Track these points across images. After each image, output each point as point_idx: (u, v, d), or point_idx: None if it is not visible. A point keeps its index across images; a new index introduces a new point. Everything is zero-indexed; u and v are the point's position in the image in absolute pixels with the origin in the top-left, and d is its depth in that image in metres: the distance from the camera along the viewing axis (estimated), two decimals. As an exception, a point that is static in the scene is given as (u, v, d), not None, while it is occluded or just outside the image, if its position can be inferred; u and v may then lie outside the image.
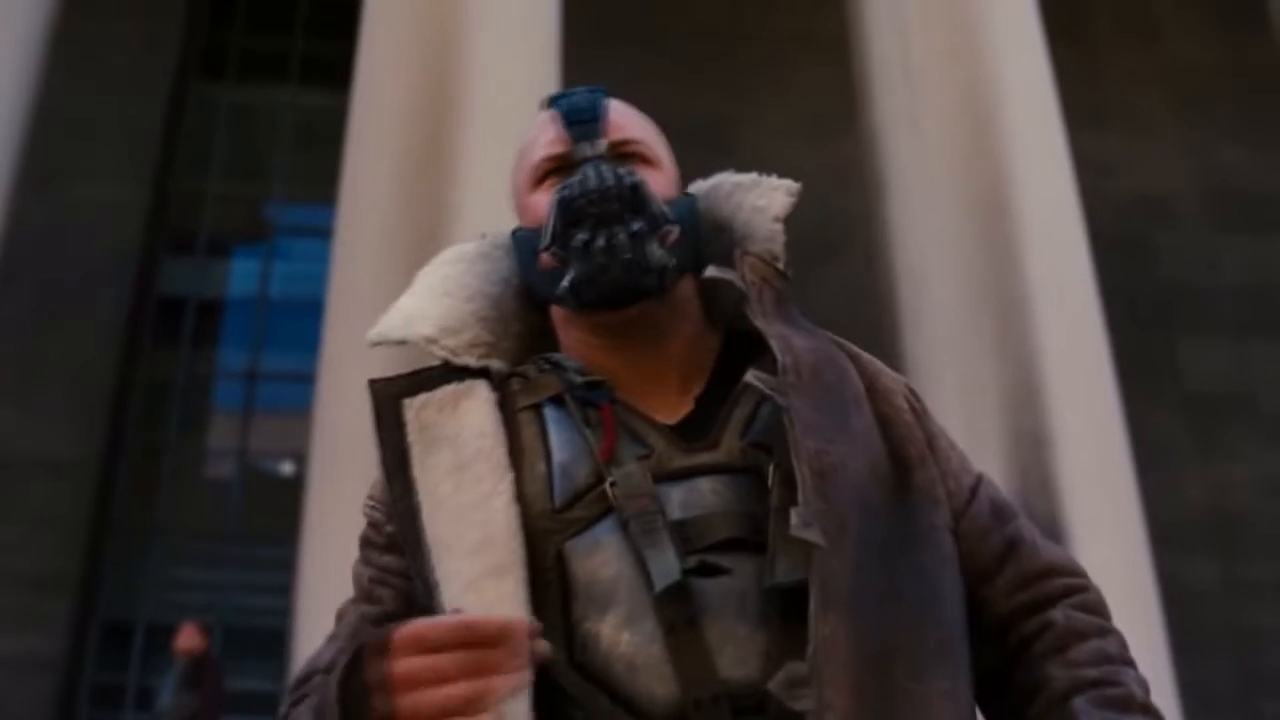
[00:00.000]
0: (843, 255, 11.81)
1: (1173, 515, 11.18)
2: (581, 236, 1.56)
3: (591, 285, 1.57)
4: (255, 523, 13.35)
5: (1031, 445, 7.26)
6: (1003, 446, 7.25)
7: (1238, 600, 12.79)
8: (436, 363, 1.67)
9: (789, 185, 1.77)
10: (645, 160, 1.67)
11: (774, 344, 1.52)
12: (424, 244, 5.75)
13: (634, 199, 1.57)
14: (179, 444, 14.21)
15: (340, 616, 1.65)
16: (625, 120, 1.71)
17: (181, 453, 14.23)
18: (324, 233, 9.39)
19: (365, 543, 1.67)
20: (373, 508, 1.66)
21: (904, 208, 8.51)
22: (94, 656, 12.87)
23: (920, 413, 1.68)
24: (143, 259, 13.67)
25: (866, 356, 1.71)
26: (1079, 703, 1.46)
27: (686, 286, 1.68)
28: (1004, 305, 7.70)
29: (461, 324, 1.69)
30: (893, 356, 7.62)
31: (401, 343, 1.68)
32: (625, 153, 1.66)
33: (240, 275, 15.34)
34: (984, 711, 1.60)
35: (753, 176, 1.80)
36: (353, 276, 7.14)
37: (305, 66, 15.20)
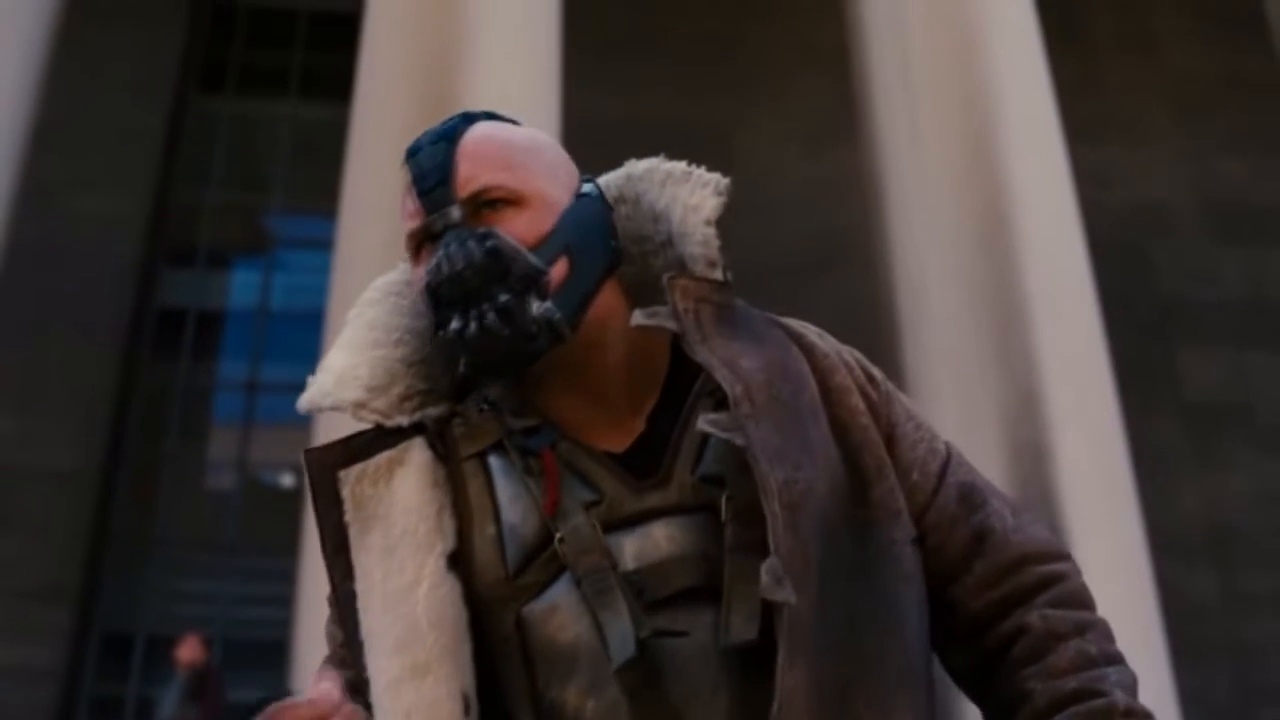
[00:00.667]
0: (841, 265, 11.80)
1: (1171, 525, 11.18)
2: (455, 326, 1.50)
3: (484, 367, 1.53)
4: (255, 534, 13.34)
5: (1031, 456, 7.26)
6: (1002, 457, 7.26)
7: (1236, 611, 12.78)
8: (369, 427, 1.60)
9: (718, 183, 1.66)
10: (508, 201, 1.57)
11: (720, 377, 1.47)
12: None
13: (494, 267, 1.49)
14: (179, 455, 14.20)
15: (329, 639, 1.65)
16: (477, 165, 1.59)
17: (181, 464, 14.22)
18: (324, 244, 9.40)
19: (331, 602, 1.63)
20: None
21: (903, 218, 8.52)
22: (93, 667, 12.85)
23: (876, 402, 1.62)
24: (143, 270, 13.68)
25: (821, 346, 1.64)
26: None
27: (607, 299, 1.60)
28: (1003, 316, 7.71)
29: (391, 378, 1.62)
30: (892, 367, 7.62)
31: (334, 409, 1.60)
32: (484, 201, 1.56)
33: (240, 287, 15.34)
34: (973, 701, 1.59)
35: (683, 167, 1.70)
36: (353, 288, 7.12)
37: (306, 79, 15.22)
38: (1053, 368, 7.51)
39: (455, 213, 1.54)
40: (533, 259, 1.51)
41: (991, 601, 1.53)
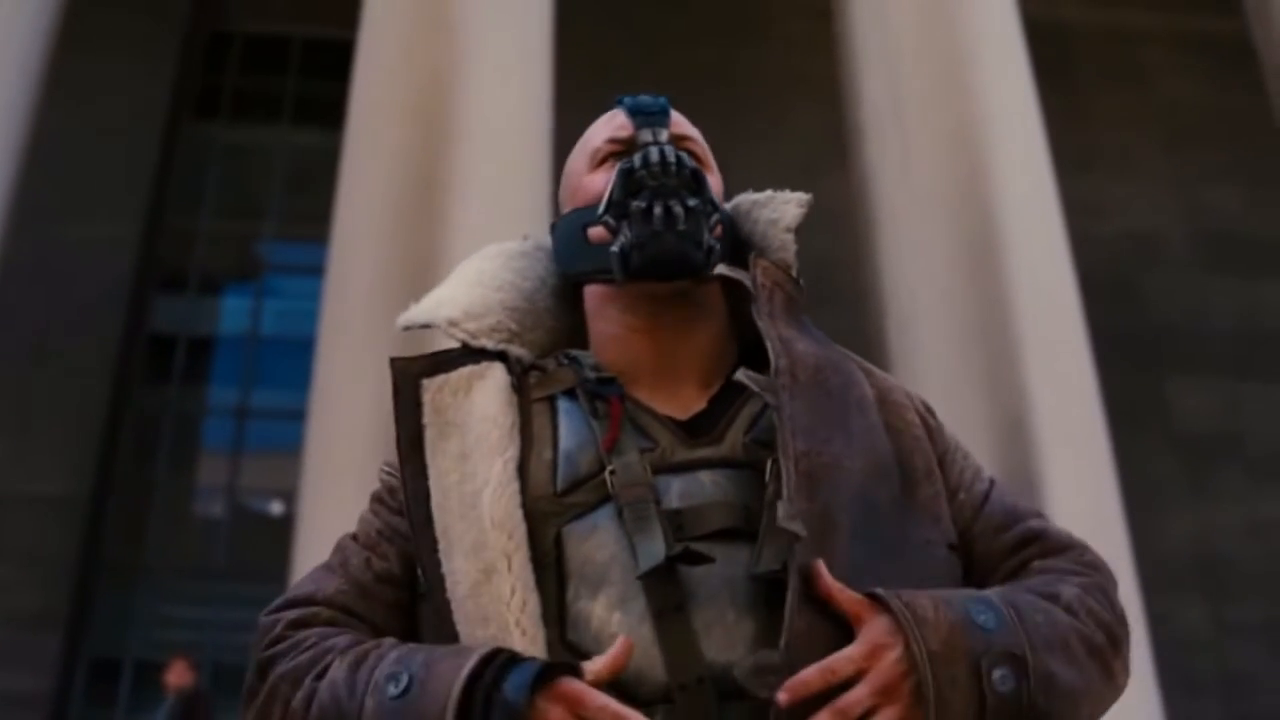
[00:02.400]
0: (832, 295, 11.80)
1: (1161, 556, 11.18)
2: (640, 204, 1.60)
3: (643, 250, 1.60)
4: (244, 561, 13.30)
5: (1022, 486, 7.26)
6: (992, 487, 7.26)
7: (1226, 642, 12.78)
8: (458, 345, 1.69)
9: (799, 198, 1.82)
10: (699, 160, 1.72)
11: (770, 344, 1.56)
12: (415, 282, 5.77)
13: (694, 180, 1.62)
14: (168, 481, 14.18)
15: (339, 549, 1.68)
16: (686, 126, 1.77)
17: (171, 490, 14.19)
18: (315, 271, 9.41)
19: (377, 499, 1.71)
20: (389, 473, 1.69)
21: (894, 249, 8.54)
22: (82, 693, 12.80)
23: (934, 429, 1.71)
24: (134, 296, 13.68)
25: (881, 374, 1.75)
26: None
27: (716, 287, 1.73)
28: (994, 346, 7.72)
29: (486, 310, 1.72)
30: (882, 397, 7.63)
31: (426, 326, 1.71)
32: (684, 149, 1.70)
33: (231, 312, 15.34)
34: None
35: (768, 193, 1.84)
36: (344, 314, 7.16)
37: (298, 107, 15.26)
38: (1043, 398, 7.52)
39: (665, 134, 1.70)
40: (716, 198, 1.67)
41: (1028, 569, 1.61)
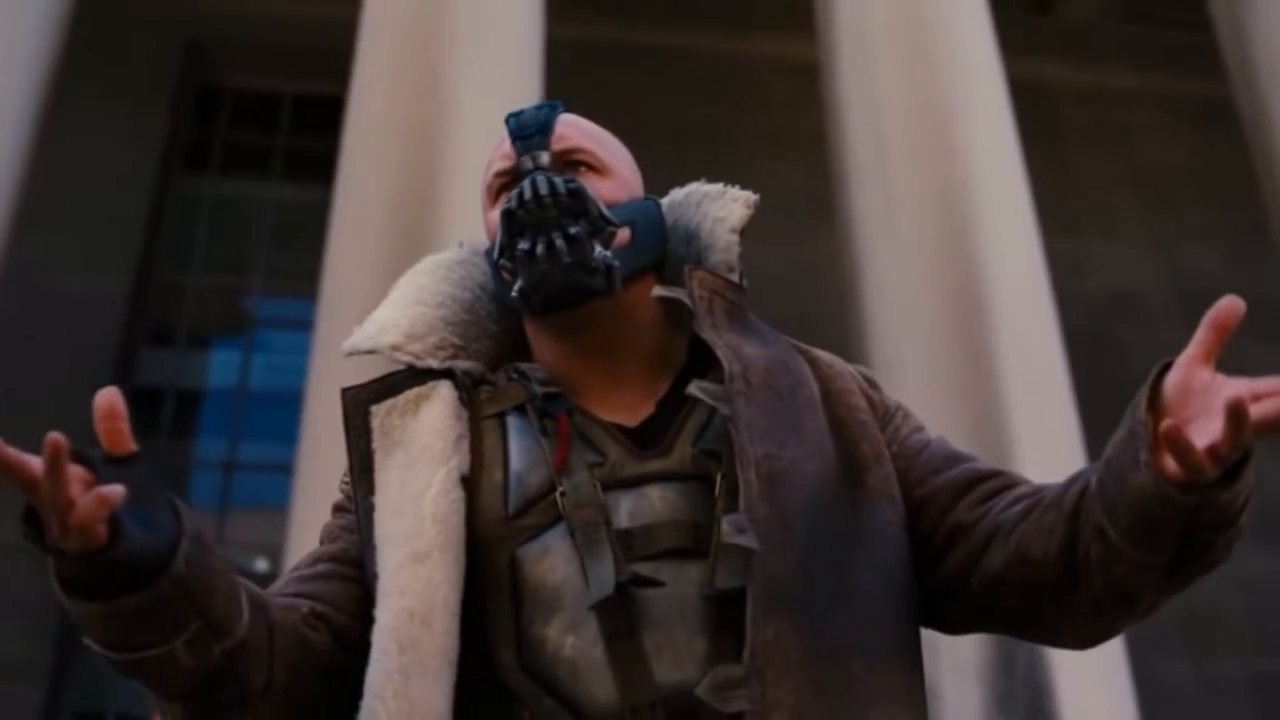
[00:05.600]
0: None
1: (1147, 613, 11.16)
2: (524, 245, 1.62)
3: (538, 290, 1.63)
4: (229, 615, 13.21)
5: (1005, 541, 7.28)
6: (977, 542, 7.27)
7: (1210, 698, 12.75)
8: (403, 368, 1.73)
9: (747, 198, 1.83)
10: (592, 168, 1.74)
11: (720, 354, 1.57)
12: (404, 336, 5.80)
13: (573, 204, 1.63)
14: (154, 535, 14.09)
15: (325, 531, 1.79)
16: (572, 131, 1.77)
17: (156, 544, 14.10)
18: (304, 325, 9.43)
19: (337, 507, 1.79)
20: (346, 484, 1.76)
21: (879, 305, 8.59)
22: (63, 749, 12.70)
23: (875, 401, 1.75)
24: (123, 348, 13.67)
25: (825, 358, 1.79)
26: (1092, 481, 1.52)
27: (646, 288, 1.73)
28: (979, 403, 7.76)
29: (429, 329, 1.75)
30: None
31: (371, 352, 1.75)
32: (571, 160, 1.72)
33: (219, 366, 15.32)
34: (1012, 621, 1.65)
35: (719, 187, 1.87)
36: (333, 368, 7.17)
37: (288, 161, 15.31)
38: (1028, 454, 7.54)
39: (545, 157, 1.70)
40: (607, 210, 1.66)
41: (986, 510, 1.64)
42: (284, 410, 10.92)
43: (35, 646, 12.17)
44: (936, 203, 8.54)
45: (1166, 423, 1.27)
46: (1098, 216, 15.10)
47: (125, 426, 1.33)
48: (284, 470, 8.42)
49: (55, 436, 1.25)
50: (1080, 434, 7.97)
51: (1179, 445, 1.26)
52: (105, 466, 1.32)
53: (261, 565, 13.78)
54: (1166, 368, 1.42)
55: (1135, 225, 15.31)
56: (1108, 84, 16.08)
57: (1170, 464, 1.31)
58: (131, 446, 1.33)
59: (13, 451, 1.28)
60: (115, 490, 1.24)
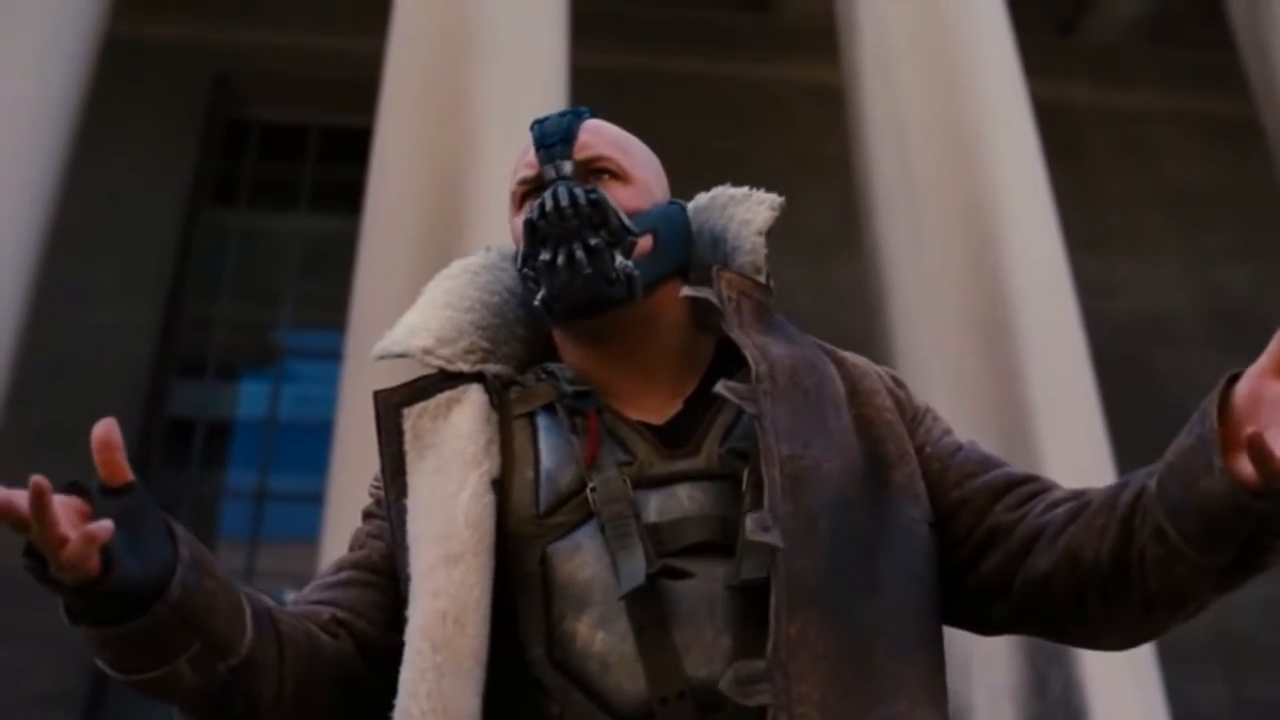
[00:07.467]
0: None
1: (1179, 633, 11.07)
2: (545, 256, 1.65)
3: (559, 300, 1.66)
4: (260, 645, 13.24)
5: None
6: (1008, 564, 7.24)
7: (1244, 719, 12.65)
8: (434, 371, 1.75)
9: (773, 200, 1.85)
10: (615, 176, 1.75)
11: (748, 354, 1.60)
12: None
13: (593, 214, 1.65)
14: (185, 566, 14.12)
15: (354, 537, 1.82)
16: (596, 139, 1.79)
17: (188, 574, 14.13)
18: (333, 356, 9.46)
19: (367, 513, 1.81)
20: (376, 488, 1.79)
21: (906, 328, 8.58)
22: (97, 780, 12.73)
23: (903, 401, 1.77)
24: (154, 380, 13.75)
25: (851, 359, 1.80)
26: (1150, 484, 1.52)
27: (671, 291, 1.75)
28: (1006, 425, 7.73)
29: (458, 333, 1.77)
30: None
31: (402, 356, 1.77)
32: (594, 169, 1.75)
33: (249, 397, 15.39)
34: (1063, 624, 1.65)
35: (744, 190, 1.90)
36: (362, 399, 7.17)
37: (316, 192, 15.39)
38: (1057, 475, 7.44)
39: (568, 167, 1.72)
40: (628, 220, 1.68)
41: (1025, 513, 1.66)
42: (313, 441, 10.96)
43: (69, 677, 12.22)
44: (962, 225, 8.54)
45: (1250, 430, 1.29)
46: (1125, 237, 15.06)
47: (121, 457, 1.37)
48: (314, 500, 8.44)
49: (38, 480, 1.29)
50: (1110, 453, 7.93)
51: (1262, 453, 1.28)
52: (101, 497, 1.36)
53: (291, 597, 13.79)
54: (1235, 378, 1.44)
55: (1163, 245, 15.25)
56: (1133, 104, 16.05)
57: (1247, 470, 1.33)
58: (127, 476, 1.37)
59: (3, 492, 1.31)
60: (103, 527, 1.28)
